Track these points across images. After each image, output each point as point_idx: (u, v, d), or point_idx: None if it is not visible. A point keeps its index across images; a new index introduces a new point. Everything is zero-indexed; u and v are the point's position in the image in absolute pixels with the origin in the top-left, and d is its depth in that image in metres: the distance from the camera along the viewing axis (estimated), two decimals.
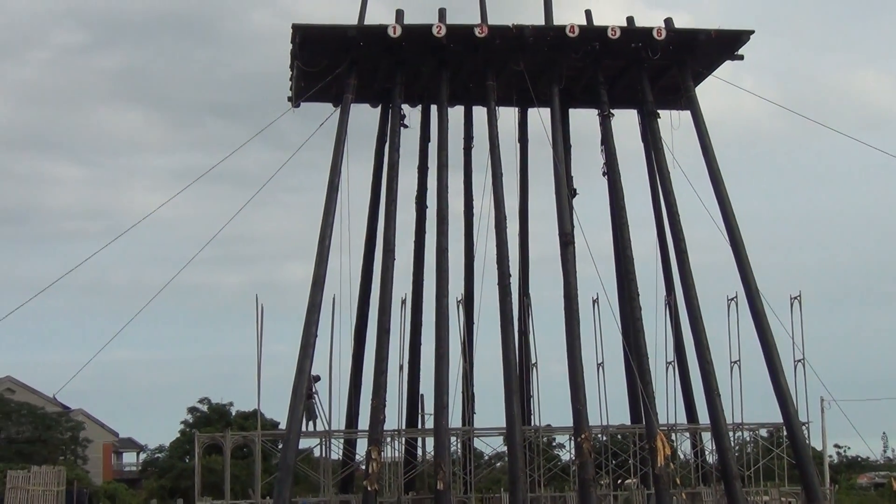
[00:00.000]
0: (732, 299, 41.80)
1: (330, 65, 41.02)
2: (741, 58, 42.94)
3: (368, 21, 41.41)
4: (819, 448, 47.58)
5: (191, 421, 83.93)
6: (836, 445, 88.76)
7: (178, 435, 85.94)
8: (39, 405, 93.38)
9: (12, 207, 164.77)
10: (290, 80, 42.88)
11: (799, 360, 41.57)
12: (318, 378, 40.49)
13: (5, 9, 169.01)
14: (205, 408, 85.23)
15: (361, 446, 41.13)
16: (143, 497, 70.98)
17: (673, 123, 43.08)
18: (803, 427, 41.01)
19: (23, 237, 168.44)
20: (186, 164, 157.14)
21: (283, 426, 41.11)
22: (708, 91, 44.59)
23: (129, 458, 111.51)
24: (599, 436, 42.75)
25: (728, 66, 43.56)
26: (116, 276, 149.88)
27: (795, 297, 41.89)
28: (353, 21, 41.37)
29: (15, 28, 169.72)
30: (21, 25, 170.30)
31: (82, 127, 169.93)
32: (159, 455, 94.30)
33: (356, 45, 41.05)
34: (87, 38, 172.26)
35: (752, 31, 42.21)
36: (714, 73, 43.98)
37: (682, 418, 43.39)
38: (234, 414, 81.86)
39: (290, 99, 43.19)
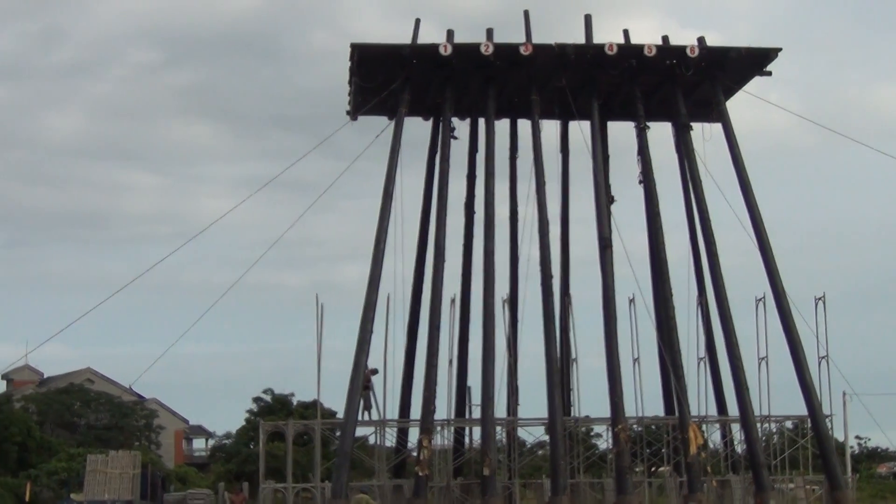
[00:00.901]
0: (760, 300, 41.54)
1: (385, 80, 41.14)
2: (769, 73, 42.75)
3: (421, 40, 41.43)
4: (841, 439, 47.24)
5: (255, 410, 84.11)
6: (858, 437, 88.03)
7: (244, 423, 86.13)
8: (116, 395, 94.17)
9: (92, 213, 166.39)
10: (349, 94, 43.00)
11: (823, 357, 41.28)
12: (375, 371, 40.57)
13: (86, 30, 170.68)
14: (268, 398, 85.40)
15: (413, 435, 41.26)
16: (211, 480, 71.13)
17: (705, 135, 43.07)
18: (826, 419, 40.70)
19: (101, 240, 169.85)
20: (251, 172, 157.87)
21: (340, 415, 41.19)
22: (738, 105, 44.27)
23: (199, 443, 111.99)
24: (635, 426, 42.64)
25: (756, 80, 43.32)
26: (187, 276, 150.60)
27: (820, 298, 41.59)
28: (407, 40, 41.42)
29: (95, 47, 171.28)
30: (101, 45, 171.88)
31: (156, 139, 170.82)
32: (226, 441, 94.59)
33: (410, 63, 41.14)
34: (161, 56, 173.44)
35: (780, 49, 41.98)
36: (744, 87, 43.72)
37: (713, 410, 43.18)
38: (295, 404, 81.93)
39: (348, 112, 43.32)
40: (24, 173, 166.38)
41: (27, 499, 64.19)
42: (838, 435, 43.96)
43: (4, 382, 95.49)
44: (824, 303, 41.52)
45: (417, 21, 41.87)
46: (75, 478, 52.17)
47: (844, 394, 44.54)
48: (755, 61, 42.23)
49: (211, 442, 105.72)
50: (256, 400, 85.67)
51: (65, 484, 60.42)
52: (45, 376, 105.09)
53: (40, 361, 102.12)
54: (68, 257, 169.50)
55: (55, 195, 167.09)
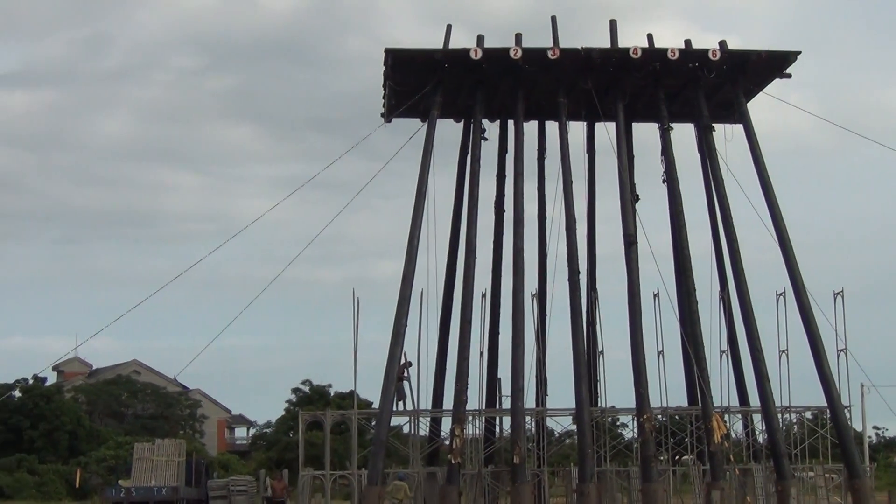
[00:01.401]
0: (781, 294, 41.35)
1: (418, 84, 41.15)
2: (789, 76, 42.49)
3: (452, 45, 41.42)
4: (859, 429, 46.84)
5: (294, 400, 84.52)
6: (875, 427, 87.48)
7: (284, 412, 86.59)
8: (162, 385, 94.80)
9: (138, 212, 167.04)
10: (383, 98, 43.01)
11: (841, 350, 41.09)
12: (409, 364, 40.59)
13: (132, 36, 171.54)
14: (307, 389, 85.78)
15: (446, 424, 41.21)
16: (253, 467, 71.46)
17: (726, 136, 42.79)
18: (845, 410, 40.56)
19: (147, 238, 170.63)
20: (289, 173, 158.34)
21: (376, 406, 41.26)
22: (758, 106, 44.03)
23: (241, 432, 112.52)
24: (659, 416, 42.40)
25: (776, 82, 43.05)
26: (229, 272, 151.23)
27: (838, 293, 41.39)
28: (439, 45, 41.42)
29: (140, 53, 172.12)
30: (145, 51, 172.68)
31: (199, 141, 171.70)
32: (267, 430, 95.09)
33: (442, 67, 41.13)
34: (203, 62, 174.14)
35: (799, 52, 41.73)
36: (764, 90, 43.48)
37: (735, 401, 42.97)
38: (332, 394, 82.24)
39: (382, 115, 43.31)
40: (74, 174, 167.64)
41: (77, 485, 64.77)
42: (856, 425, 43.66)
43: (55, 374, 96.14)
44: (843, 297, 41.35)
45: (449, 27, 41.89)
46: (123, 465, 52.55)
47: (862, 385, 44.25)
48: (775, 64, 42.00)
49: (252, 431, 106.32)
50: (295, 390, 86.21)
51: (113, 471, 60.90)
52: (94, 368, 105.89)
53: (89, 354, 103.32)
54: (116, 254, 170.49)
55: (103, 195, 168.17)
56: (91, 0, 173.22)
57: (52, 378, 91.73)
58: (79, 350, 74.57)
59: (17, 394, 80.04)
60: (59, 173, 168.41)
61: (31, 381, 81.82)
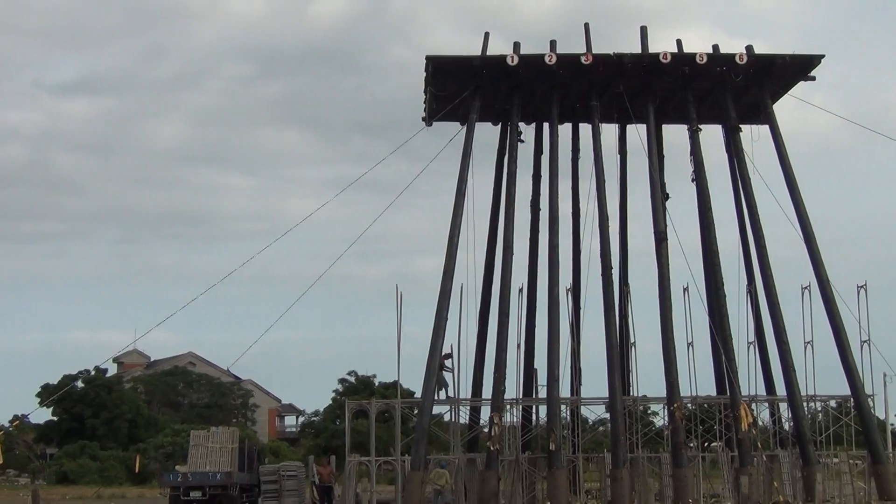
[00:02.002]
0: (806, 288, 41.04)
1: (457, 89, 41.21)
2: (813, 79, 42.21)
3: (490, 52, 41.41)
4: (882, 417, 46.39)
5: (341, 390, 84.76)
6: None
7: (331, 401, 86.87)
8: (216, 376, 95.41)
9: (192, 212, 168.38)
10: (424, 102, 43.07)
11: (864, 341, 40.72)
12: (449, 355, 40.58)
13: (186, 46, 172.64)
14: (352, 379, 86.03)
15: (485, 412, 41.25)
16: (302, 454, 71.71)
17: (753, 136, 42.61)
18: (868, 399, 40.29)
19: (201, 236, 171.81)
20: (335, 174, 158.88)
21: (418, 395, 41.34)
22: (784, 108, 43.79)
23: (290, 420, 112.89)
24: (689, 405, 42.20)
25: (800, 85, 42.80)
26: (279, 269, 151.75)
27: (861, 286, 41.01)
28: (477, 52, 41.45)
29: (194, 62, 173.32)
30: (199, 60, 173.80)
31: (249, 144, 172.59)
32: (315, 418, 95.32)
33: (480, 73, 41.17)
34: (254, 69, 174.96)
35: (823, 56, 41.48)
36: (789, 92, 43.25)
37: (762, 390, 42.80)
38: (377, 384, 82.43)
39: (423, 119, 43.40)
40: (132, 177, 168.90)
41: (136, 470, 65.20)
42: (879, 413, 43.21)
43: (116, 365, 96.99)
44: (866, 290, 40.99)
45: (486, 35, 41.93)
46: (180, 451, 52.83)
47: (885, 375, 43.62)
48: (800, 67, 41.74)
49: (301, 419, 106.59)
50: (342, 381, 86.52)
51: (170, 457, 61.31)
52: (152, 359, 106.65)
53: (148, 346, 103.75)
54: (172, 252, 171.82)
55: (161, 196, 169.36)
56: (148, 12, 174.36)
57: (112, 369, 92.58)
58: (138, 343, 75.18)
59: (80, 384, 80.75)
60: (119, 176, 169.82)
61: (93, 373, 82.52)
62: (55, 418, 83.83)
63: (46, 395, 77.43)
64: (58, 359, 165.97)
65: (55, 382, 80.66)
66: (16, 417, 73.64)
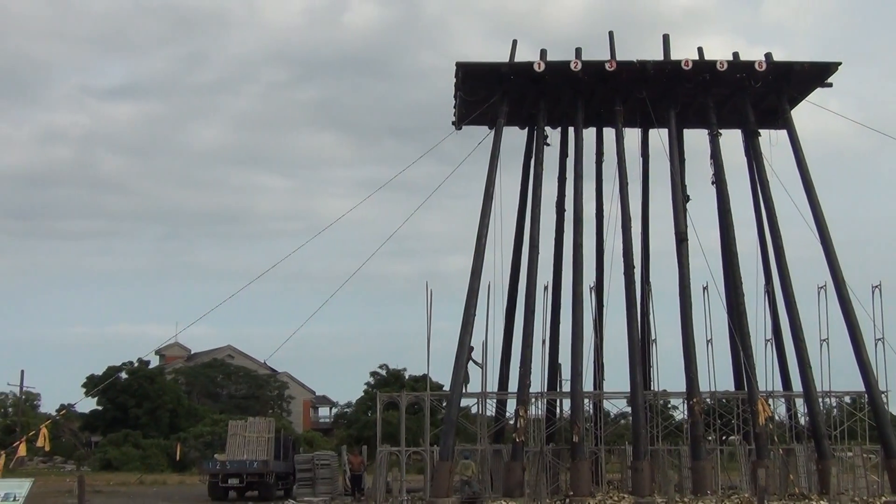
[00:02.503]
0: (822, 287, 40.83)
1: (486, 94, 41.23)
2: (830, 85, 42.08)
3: (517, 59, 41.43)
4: (895, 413, 46.10)
5: (372, 383, 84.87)
6: None
7: (363, 394, 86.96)
8: (253, 368, 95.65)
9: (232, 211, 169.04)
10: (454, 107, 43.15)
11: (879, 339, 40.44)
12: (472, 348, 40.52)
13: (226, 53, 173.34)
14: (384, 372, 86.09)
15: (511, 405, 41.25)
16: (335, 443, 71.89)
17: (771, 141, 42.50)
18: (882, 395, 40.01)
19: (240, 235, 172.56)
20: (368, 175, 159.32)
21: (447, 388, 41.39)
22: (801, 113, 43.55)
23: (324, 411, 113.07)
24: (708, 400, 42.08)
25: (818, 91, 42.62)
26: (314, 266, 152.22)
27: (876, 286, 40.71)
28: (505, 59, 41.48)
29: (234, 68, 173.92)
30: (238, 66, 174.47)
31: (286, 147, 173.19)
32: (347, 410, 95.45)
33: (508, 79, 41.18)
34: (290, 75, 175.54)
35: (840, 63, 41.29)
36: (807, 98, 43.04)
37: (779, 386, 42.57)
38: (407, 377, 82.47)
39: (453, 123, 43.49)
40: (175, 177, 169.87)
41: (177, 458, 65.59)
42: (893, 409, 42.93)
43: (158, 357, 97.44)
44: (880, 290, 40.70)
45: (514, 42, 41.97)
46: (218, 440, 53.08)
47: None
48: (817, 74, 41.56)
49: (334, 410, 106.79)
50: (373, 374, 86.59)
51: (209, 445, 61.62)
52: (192, 352, 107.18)
53: (188, 339, 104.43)
54: (212, 250, 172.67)
55: (201, 196, 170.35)
56: (190, 20, 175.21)
57: (155, 361, 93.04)
58: (179, 336, 75.83)
59: (124, 375, 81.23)
60: (162, 177, 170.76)
61: (136, 364, 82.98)
62: (100, 408, 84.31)
63: (92, 385, 78.05)
64: (103, 351, 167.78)
65: (100, 373, 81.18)
66: (62, 407, 74.55)
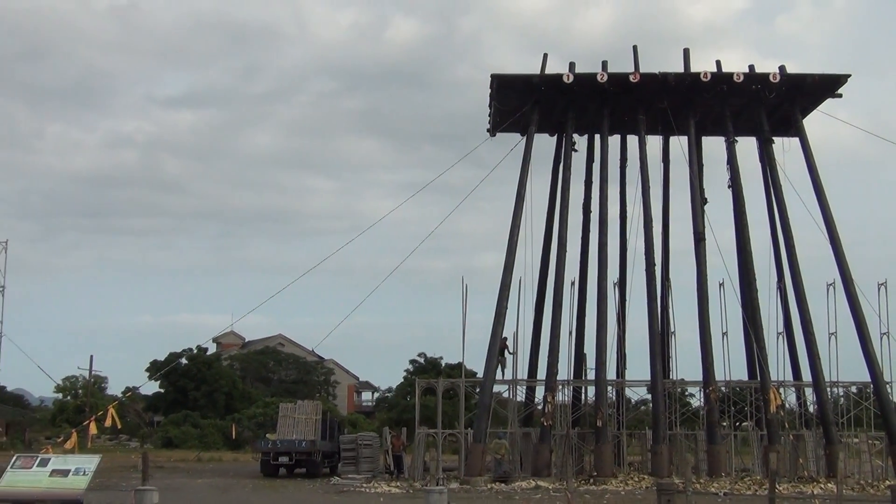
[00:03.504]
0: (831, 285, 40.51)
1: (518, 104, 41.22)
2: (840, 96, 41.72)
3: (548, 71, 41.35)
4: None
5: (411, 369, 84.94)
6: None
7: (402, 380, 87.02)
8: (302, 355, 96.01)
9: (283, 210, 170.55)
10: (488, 115, 43.12)
11: (884, 333, 40.12)
12: (505, 338, 40.53)
13: (278, 65, 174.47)
14: (422, 360, 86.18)
15: (539, 392, 41.21)
16: (376, 425, 72.08)
17: (784, 147, 42.26)
18: (887, 385, 39.64)
19: (289, 233, 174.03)
20: (409, 179, 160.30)
21: (481, 375, 41.40)
22: (813, 122, 43.23)
23: (366, 396, 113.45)
24: (723, 388, 41.85)
25: (829, 101, 42.23)
26: (358, 262, 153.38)
27: (882, 284, 40.39)
28: (536, 71, 41.42)
29: (285, 79, 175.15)
30: (289, 77, 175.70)
31: (333, 151, 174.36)
32: (388, 394, 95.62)
33: (539, 89, 41.13)
34: (337, 86, 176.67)
35: (849, 75, 40.97)
36: (818, 107, 42.67)
37: (790, 376, 42.31)
38: (443, 365, 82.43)
39: (488, 130, 43.45)
40: (231, 179, 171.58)
41: (232, 437, 66.03)
42: None
43: (215, 345, 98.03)
44: (886, 288, 40.38)
45: (545, 55, 41.91)
46: (270, 421, 53.30)
47: None
48: (828, 85, 41.23)
49: (376, 395, 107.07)
50: (412, 361, 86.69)
51: (262, 426, 61.85)
52: (246, 340, 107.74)
53: (242, 328, 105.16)
54: (264, 246, 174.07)
55: (255, 197, 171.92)
56: (246, 35, 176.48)
57: (212, 348, 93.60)
58: (234, 325, 76.06)
59: (184, 361, 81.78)
60: (219, 178, 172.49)
61: (195, 351, 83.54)
62: (162, 390, 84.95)
63: (155, 370, 78.60)
64: (165, 338, 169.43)
65: (162, 359, 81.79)
66: (128, 389, 75.27)
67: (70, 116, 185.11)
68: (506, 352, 40.31)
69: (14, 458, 22.14)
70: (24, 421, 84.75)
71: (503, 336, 39.88)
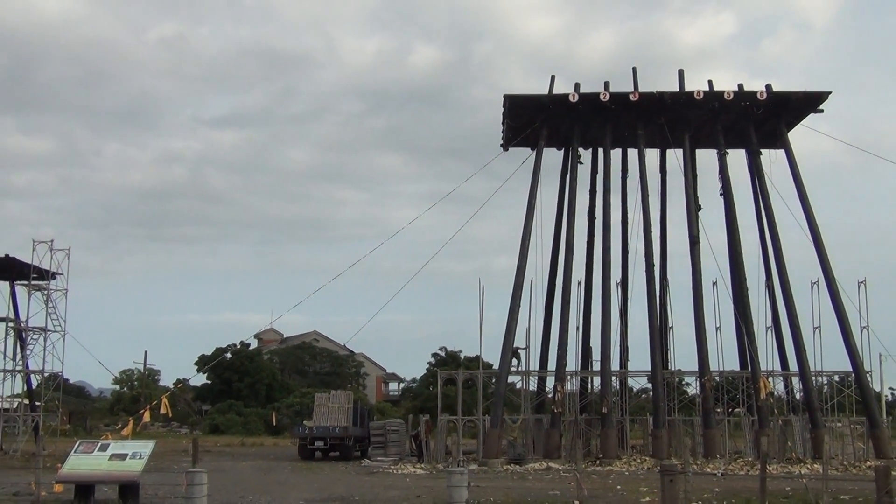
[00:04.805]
0: (815, 283, 40.30)
1: (528, 121, 41.19)
2: (822, 111, 41.52)
3: (555, 91, 41.28)
4: (878, 389, 45.33)
5: (433, 362, 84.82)
6: (891, 388, 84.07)
7: (425, 371, 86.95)
8: (335, 350, 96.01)
9: (315, 219, 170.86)
10: (501, 132, 43.09)
11: (864, 327, 39.93)
12: (517, 349, 40.44)
13: (312, 88, 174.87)
14: (443, 353, 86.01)
15: (549, 381, 41.11)
16: (402, 413, 72.05)
17: (771, 158, 42.07)
18: (867, 374, 39.42)
19: (322, 239, 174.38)
20: (429, 190, 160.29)
21: (496, 367, 41.33)
22: (797, 135, 42.95)
23: (393, 386, 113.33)
24: (717, 378, 41.66)
25: (811, 115, 42.01)
26: (384, 265, 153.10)
27: (861, 282, 40.22)
28: (544, 91, 41.40)
29: (318, 101, 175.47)
30: (322, 99, 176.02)
31: (361, 166, 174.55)
32: (413, 384, 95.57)
33: (547, 108, 41.09)
34: (364, 106, 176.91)
35: (830, 92, 40.71)
36: (802, 122, 42.43)
37: (778, 366, 42.11)
38: (462, 358, 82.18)
39: (501, 145, 43.43)
40: (270, 191, 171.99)
41: (273, 424, 66.10)
42: (876, 386, 42.24)
43: (256, 341, 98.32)
44: (865, 285, 40.19)
45: (552, 77, 41.87)
46: (306, 409, 53.39)
47: (881, 355, 42.56)
48: (810, 102, 41.01)
49: (402, 385, 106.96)
50: (434, 355, 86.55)
51: (299, 413, 61.94)
52: (285, 336, 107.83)
53: (281, 325, 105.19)
54: (300, 251, 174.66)
55: (292, 207, 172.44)
56: (282, 61, 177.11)
57: (254, 344, 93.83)
58: (273, 323, 76.38)
59: (228, 355, 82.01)
60: (259, 191, 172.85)
61: (238, 346, 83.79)
62: (209, 382, 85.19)
63: (202, 363, 78.91)
64: (211, 334, 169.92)
65: (209, 353, 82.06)
66: (179, 381, 75.58)
67: (125, 136, 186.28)
68: (519, 354, 40.34)
69: (77, 443, 22.19)
70: (86, 410, 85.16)
71: (515, 346, 39.82)
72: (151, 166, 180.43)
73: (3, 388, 47.88)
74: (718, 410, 41.96)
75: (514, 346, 39.61)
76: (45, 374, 46.20)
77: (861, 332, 39.77)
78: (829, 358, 41.10)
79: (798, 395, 42.26)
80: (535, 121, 41.16)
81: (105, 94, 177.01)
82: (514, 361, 40.52)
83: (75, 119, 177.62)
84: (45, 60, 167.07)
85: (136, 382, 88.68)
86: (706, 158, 44.39)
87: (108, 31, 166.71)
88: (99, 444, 21.74)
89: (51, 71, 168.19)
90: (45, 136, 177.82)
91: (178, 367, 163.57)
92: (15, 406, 48.19)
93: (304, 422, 45.24)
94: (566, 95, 40.54)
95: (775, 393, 42.20)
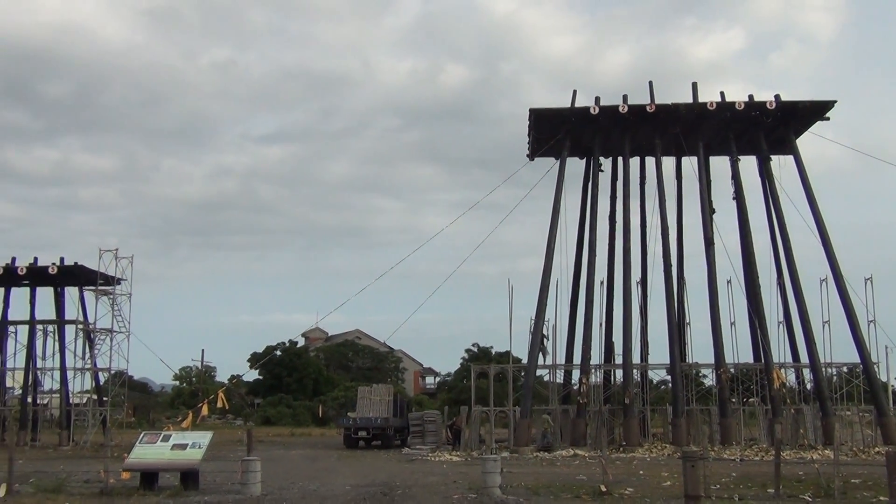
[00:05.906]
0: (823, 280, 39.92)
1: (552, 132, 41.10)
2: (828, 119, 41.00)
3: (577, 104, 41.14)
4: (885, 380, 44.69)
5: (467, 357, 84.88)
6: None
7: (459, 366, 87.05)
8: (376, 347, 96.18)
9: (356, 226, 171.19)
10: (527, 143, 43.02)
11: (871, 321, 39.37)
12: (545, 336, 40.32)
13: (351, 106, 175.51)
14: (475, 349, 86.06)
15: (575, 374, 40.95)
16: (438, 404, 72.09)
17: (780, 164, 41.68)
18: (874, 365, 38.90)
19: (364, 245, 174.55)
20: (460, 198, 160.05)
21: (525, 361, 41.23)
22: (805, 141, 42.53)
23: (430, 380, 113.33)
24: (732, 370, 41.25)
25: (818, 123, 41.52)
26: (420, 268, 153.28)
27: (868, 278, 39.70)
28: (567, 104, 41.28)
29: (357, 117, 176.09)
30: (360, 115, 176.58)
31: (397, 176, 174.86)
32: (448, 378, 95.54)
33: (570, 120, 40.96)
34: (400, 121, 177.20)
35: (835, 101, 40.26)
36: (809, 129, 41.98)
37: (789, 358, 41.64)
38: (493, 353, 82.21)
39: (527, 155, 43.36)
40: (314, 202, 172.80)
41: (319, 415, 66.42)
42: (883, 377, 41.70)
43: (303, 339, 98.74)
44: (871, 281, 39.70)
45: (574, 91, 41.76)
46: (350, 402, 53.58)
47: (887, 347, 42.00)
48: (817, 110, 40.59)
49: (438, 379, 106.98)
50: (468, 350, 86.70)
51: (343, 406, 62.21)
52: (330, 335, 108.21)
53: (326, 325, 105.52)
54: (343, 256, 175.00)
55: (334, 215, 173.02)
56: (324, 82, 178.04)
57: (301, 342, 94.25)
58: (319, 322, 76.55)
59: (278, 352, 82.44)
60: (305, 201, 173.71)
61: (287, 344, 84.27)
62: (261, 377, 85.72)
63: (254, 360, 79.48)
64: (262, 334, 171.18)
65: (261, 351, 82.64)
66: (233, 377, 76.07)
67: (181, 153, 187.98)
68: (545, 341, 40.20)
69: (142, 434, 22.41)
70: (149, 404, 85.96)
71: (544, 334, 39.73)
72: (205, 180, 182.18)
73: (74, 384, 48.65)
74: (734, 400, 41.52)
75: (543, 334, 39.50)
76: (112, 372, 47.08)
77: (868, 325, 39.32)
78: (837, 350, 40.75)
79: (809, 386, 41.76)
80: (558, 132, 41.06)
81: (162, 115, 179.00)
82: (545, 345, 40.36)
83: (135, 138, 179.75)
84: (108, 85, 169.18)
85: (194, 378, 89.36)
86: (719, 165, 44.12)
87: (164, 57, 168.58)
88: (161, 435, 21.94)
89: (112, 94, 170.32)
90: (108, 154, 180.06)
91: (233, 363, 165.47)
92: (85, 401, 48.82)
93: (349, 413, 45.40)
94: (587, 108, 40.40)
95: (787, 383, 41.78)
